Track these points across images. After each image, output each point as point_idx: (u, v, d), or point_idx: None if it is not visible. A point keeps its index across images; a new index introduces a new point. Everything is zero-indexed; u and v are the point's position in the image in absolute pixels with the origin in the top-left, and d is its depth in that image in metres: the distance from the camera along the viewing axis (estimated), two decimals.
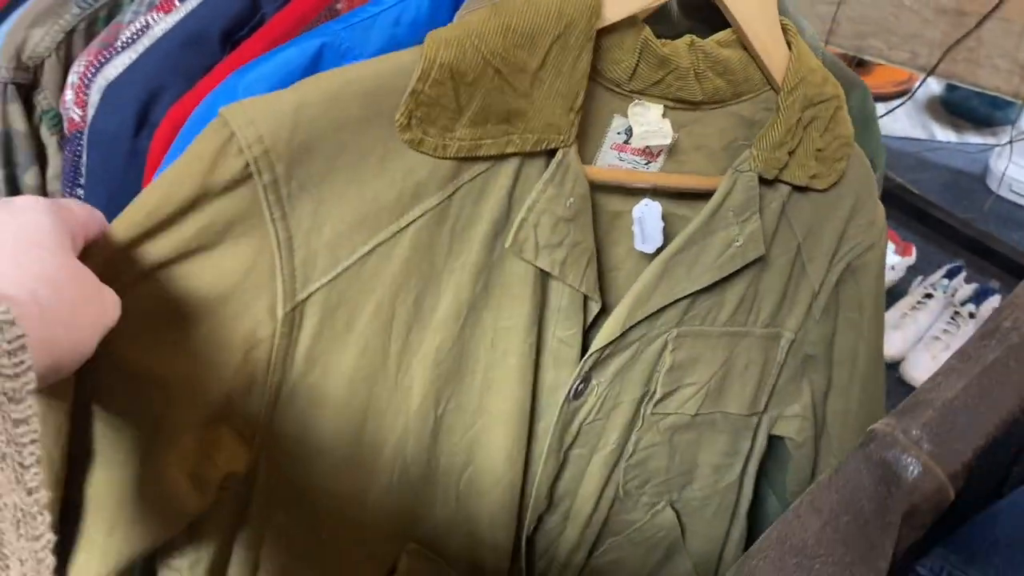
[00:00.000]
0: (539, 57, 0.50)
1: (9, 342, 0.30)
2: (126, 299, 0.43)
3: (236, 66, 0.68)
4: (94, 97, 0.70)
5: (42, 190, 0.83)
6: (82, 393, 0.46)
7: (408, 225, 0.51)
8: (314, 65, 0.53)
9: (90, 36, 0.81)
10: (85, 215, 0.44)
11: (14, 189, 0.81)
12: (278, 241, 0.48)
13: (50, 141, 0.81)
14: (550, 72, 0.51)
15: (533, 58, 0.50)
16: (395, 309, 0.54)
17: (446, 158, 0.51)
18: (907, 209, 1.94)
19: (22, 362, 0.30)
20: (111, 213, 0.68)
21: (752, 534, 0.80)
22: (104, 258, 0.45)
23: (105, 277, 0.43)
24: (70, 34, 0.80)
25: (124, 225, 0.46)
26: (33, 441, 0.30)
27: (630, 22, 0.53)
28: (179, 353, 0.48)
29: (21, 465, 0.29)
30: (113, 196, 0.67)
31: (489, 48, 0.49)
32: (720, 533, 0.77)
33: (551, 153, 0.54)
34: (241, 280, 0.49)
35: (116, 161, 0.66)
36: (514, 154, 0.52)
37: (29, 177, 0.81)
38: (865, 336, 0.71)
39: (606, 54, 0.53)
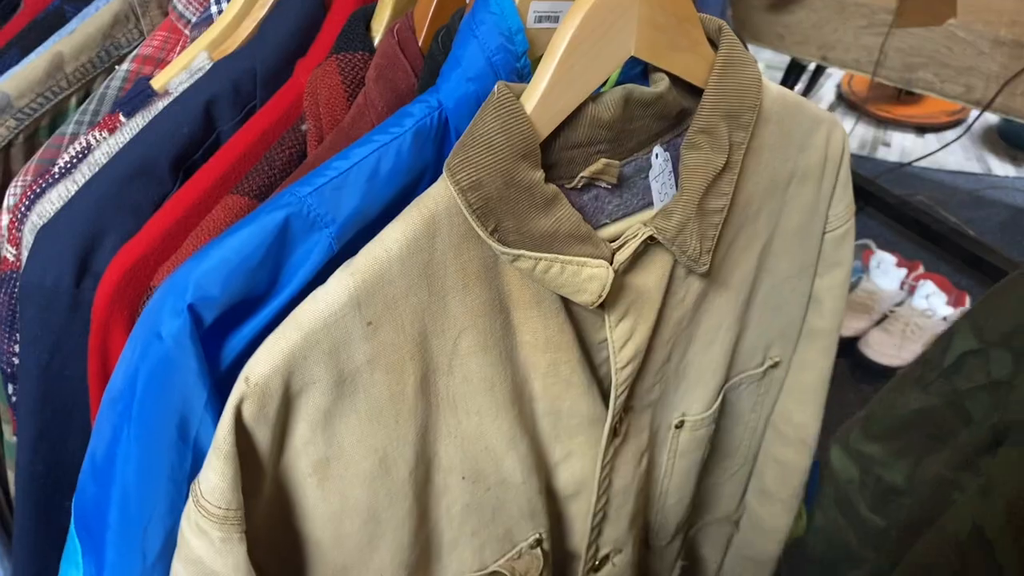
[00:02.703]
0: None
1: None
2: None
3: (190, 197, 0.60)
4: (28, 238, 0.61)
5: None
6: None
7: None
8: (280, 243, 0.45)
9: (31, 148, 0.73)
10: None
11: None
12: None
13: None
14: None
15: None
16: None
17: None
18: (961, 254, 1.75)
19: None
20: (53, 371, 0.60)
21: None
22: None
23: None
24: (6, 150, 0.72)
25: None
26: None
27: None
28: None
29: None
30: (55, 354, 0.59)
31: None
32: None
33: None
34: None
35: (55, 317, 0.57)
36: None
37: None
38: None
39: None
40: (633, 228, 0.54)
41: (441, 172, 0.48)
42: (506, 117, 0.47)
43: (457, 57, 0.53)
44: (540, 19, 0.54)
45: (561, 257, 0.50)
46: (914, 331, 1.53)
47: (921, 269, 1.70)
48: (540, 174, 0.49)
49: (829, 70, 2.41)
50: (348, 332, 0.46)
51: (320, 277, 0.46)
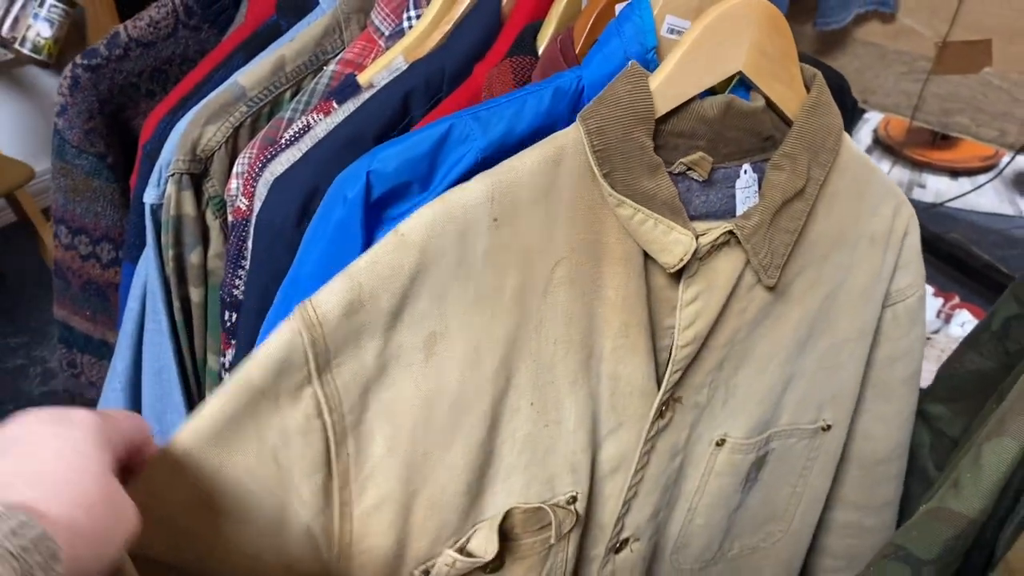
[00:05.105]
0: None
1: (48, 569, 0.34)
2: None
3: None
4: (260, 190, 0.78)
5: (204, 267, 0.91)
6: None
7: None
8: (440, 144, 0.59)
9: (254, 130, 0.90)
10: (129, 426, 0.46)
11: (181, 267, 0.90)
12: None
13: (213, 224, 0.90)
14: None
15: None
16: None
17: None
18: (995, 288, 1.83)
19: None
20: (272, 293, 0.75)
21: None
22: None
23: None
24: (237, 129, 0.89)
25: None
26: None
27: None
28: None
29: None
30: (275, 278, 0.74)
31: None
32: None
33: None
34: None
35: (279, 249, 0.73)
36: None
37: (194, 256, 0.90)
38: None
39: None
40: (715, 227, 0.62)
41: (571, 125, 0.60)
42: (633, 84, 0.58)
43: (600, 46, 0.66)
44: (671, 31, 0.66)
45: (655, 215, 0.58)
46: None
47: (957, 300, 1.75)
48: (651, 143, 0.58)
49: (866, 115, 2.52)
50: (478, 220, 0.54)
51: (465, 180, 0.57)
